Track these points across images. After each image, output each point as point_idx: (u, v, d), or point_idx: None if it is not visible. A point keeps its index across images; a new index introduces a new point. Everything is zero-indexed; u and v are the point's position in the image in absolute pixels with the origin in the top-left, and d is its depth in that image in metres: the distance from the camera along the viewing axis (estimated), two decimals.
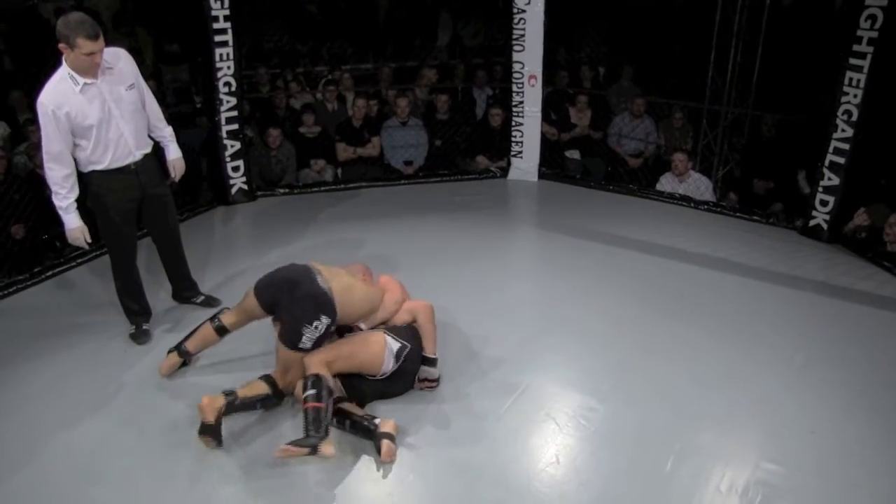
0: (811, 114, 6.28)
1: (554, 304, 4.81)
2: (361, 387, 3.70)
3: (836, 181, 5.83)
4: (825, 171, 5.87)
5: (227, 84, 6.36)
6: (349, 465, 3.35)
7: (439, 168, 7.61)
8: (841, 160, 5.76)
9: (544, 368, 4.10)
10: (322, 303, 3.56)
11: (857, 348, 4.37)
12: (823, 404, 3.82)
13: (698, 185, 6.84)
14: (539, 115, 7.35)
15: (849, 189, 5.83)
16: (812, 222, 6.06)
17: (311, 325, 3.53)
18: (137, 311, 4.45)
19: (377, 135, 7.53)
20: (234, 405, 3.46)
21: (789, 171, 6.71)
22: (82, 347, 4.32)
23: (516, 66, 7.22)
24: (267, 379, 3.63)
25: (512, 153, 7.56)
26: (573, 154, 7.81)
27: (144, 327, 4.44)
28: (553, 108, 7.78)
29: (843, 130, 5.68)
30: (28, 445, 3.48)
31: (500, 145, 7.62)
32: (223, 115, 6.45)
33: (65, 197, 3.95)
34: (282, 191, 7.08)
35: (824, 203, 5.94)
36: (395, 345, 3.67)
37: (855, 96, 5.54)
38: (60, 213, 4.01)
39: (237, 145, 6.61)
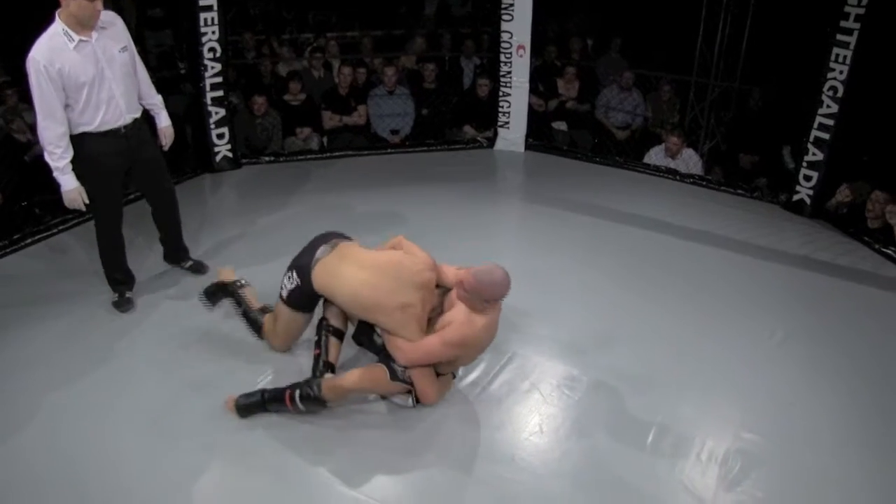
0: (798, 89, 6.29)
1: (539, 274, 4.83)
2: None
3: (820, 157, 5.87)
4: (810, 146, 5.90)
5: (212, 50, 6.27)
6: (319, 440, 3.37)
7: (426, 137, 7.59)
8: (825, 136, 5.79)
9: (529, 339, 4.12)
10: (300, 264, 3.63)
11: (837, 322, 4.43)
12: (802, 377, 3.88)
13: (688, 162, 6.86)
14: (527, 85, 7.32)
15: (833, 165, 5.86)
16: (796, 197, 6.10)
17: (286, 274, 3.68)
18: (120, 280, 4.41)
19: (364, 103, 7.48)
20: (238, 293, 4.03)
21: (774, 146, 6.73)
22: (67, 317, 4.27)
23: (504, 36, 7.17)
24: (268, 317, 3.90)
25: (499, 123, 7.54)
26: (560, 125, 7.80)
27: (127, 295, 4.40)
28: (541, 80, 7.75)
29: (828, 106, 5.70)
30: (23, 414, 3.48)
31: (487, 115, 7.59)
32: (208, 82, 6.36)
33: (60, 157, 3.84)
34: (267, 159, 7.03)
35: (808, 178, 5.98)
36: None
37: (841, 72, 5.55)
38: (56, 174, 3.88)
39: (222, 112, 6.54)
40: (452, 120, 7.75)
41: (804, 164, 5.99)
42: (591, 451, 3.29)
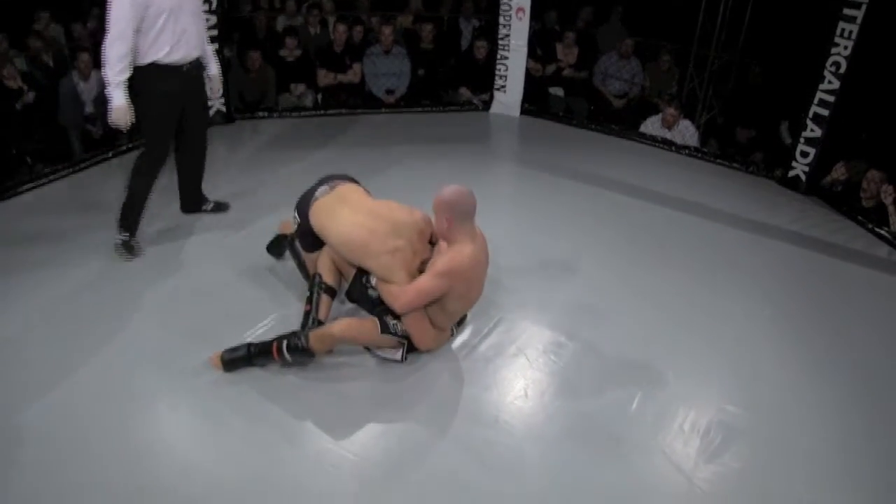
0: (799, 64, 6.24)
1: (530, 240, 4.82)
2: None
3: (818, 133, 5.83)
4: (808, 122, 5.86)
5: (208, 1, 6.16)
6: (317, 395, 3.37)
7: (421, 98, 7.53)
8: (825, 112, 5.75)
9: (517, 304, 4.11)
10: (300, 203, 3.71)
11: (826, 299, 4.43)
12: (788, 352, 3.88)
13: (684, 133, 6.83)
14: (525, 49, 7.26)
15: (830, 142, 5.83)
16: (791, 173, 6.08)
17: (293, 214, 3.77)
18: (135, 224, 4.44)
19: (359, 61, 7.41)
20: (293, 244, 4.03)
21: (772, 121, 6.69)
22: (63, 267, 4.24)
23: None
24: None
25: (495, 87, 7.49)
26: (557, 91, 7.75)
27: (136, 239, 4.44)
28: (540, 44, 7.68)
29: (829, 82, 5.66)
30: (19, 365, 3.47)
31: (483, 78, 7.53)
32: None
33: (119, 73, 3.98)
34: (261, 114, 6.97)
35: (805, 154, 5.96)
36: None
37: (845, 48, 5.50)
38: (110, 88, 4.02)
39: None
40: (448, 81, 7.68)
41: (801, 139, 5.96)
42: (574, 417, 3.29)
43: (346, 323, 3.43)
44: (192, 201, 4.90)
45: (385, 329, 3.41)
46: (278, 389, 3.32)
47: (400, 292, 3.35)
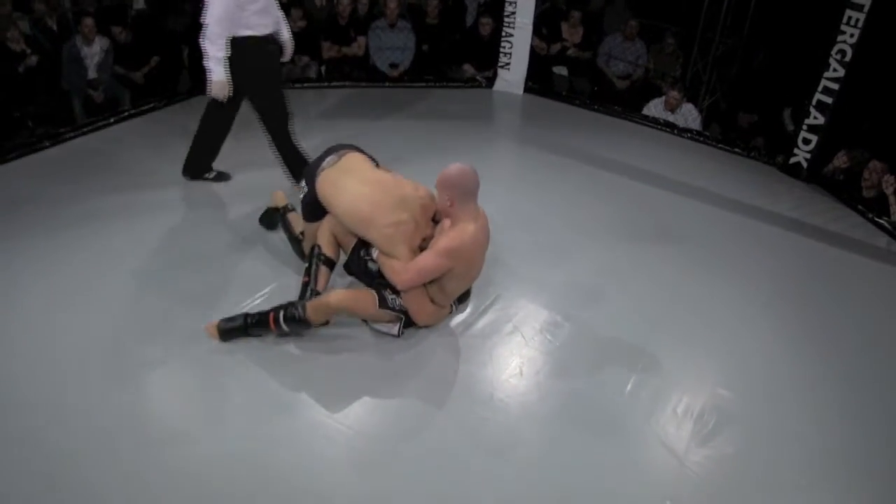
0: (804, 50, 6.21)
1: (530, 218, 4.83)
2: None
3: (821, 120, 5.82)
4: (812, 109, 5.85)
5: None
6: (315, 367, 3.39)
7: (425, 73, 7.50)
8: (828, 100, 5.73)
9: (515, 282, 4.12)
10: (308, 172, 3.76)
11: (823, 287, 4.45)
12: (783, 339, 3.90)
13: (686, 116, 6.81)
14: (530, 26, 7.21)
15: (833, 130, 5.82)
16: (793, 160, 6.08)
17: (300, 183, 3.89)
18: (299, 172, 4.65)
19: (364, 34, 7.36)
20: (286, 217, 4.10)
21: (775, 107, 6.67)
22: (63, 229, 4.27)
23: None
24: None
25: (499, 64, 7.46)
26: (561, 70, 7.72)
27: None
28: (545, 23, 7.64)
29: (834, 70, 5.64)
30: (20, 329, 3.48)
31: (488, 55, 7.49)
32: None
33: (220, 49, 4.28)
34: None
35: (807, 141, 5.95)
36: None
37: (851, 36, 5.47)
38: (211, 63, 4.32)
39: None
40: (452, 57, 7.65)
41: (804, 126, 5.94)
42: (569, 397, 3.32)
43: (344, 294, 3.44)
44: (199, 168, 4.94)
45: (383, 303, 3.43)
46: (274, 360, 3.35)
47: (402, 269, 3.37)
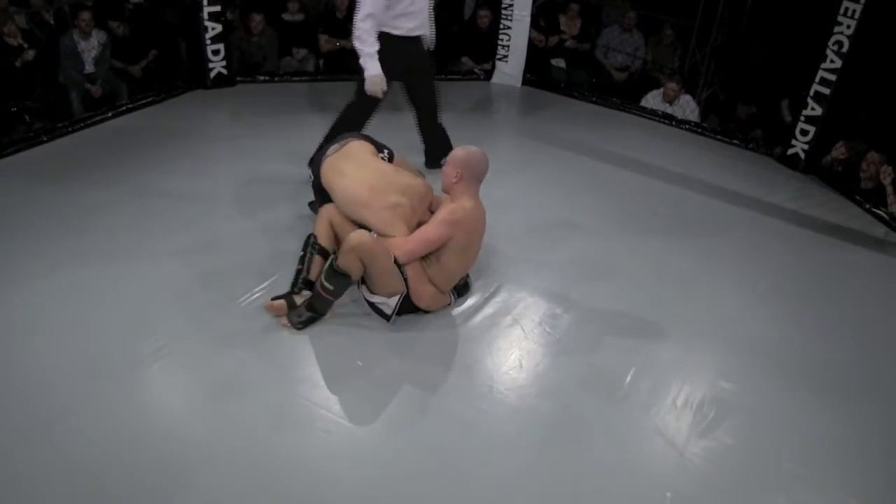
0: (802, 41, 6.21)
1: (529, 210, 4.83)
2: None
3: (818, 111, 5.83)
4: (809, 100, 5.85)
5: None
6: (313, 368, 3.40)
7: None
8: (826, 91, 5.74)
9: (515, 273, 4.13)
10: (314, 160, 4.00)
11: (821, 278, 4.46)
12: (782, 329, 3.91)
13: (685, 108, 6.82)
14: (528, 19, 7.21)
15: (831, 121, 5.82)
16: (790, 151, 6.08)
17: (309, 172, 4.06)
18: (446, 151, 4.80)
19: None
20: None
21: (773, 98, 6.68)
22: (76, 221, 4.27)
23: None
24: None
25: (497, 56, 7.44)
26: (559, 63, 7.71)
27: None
28: (543, 15, 7.63)
29: (831, 61, 5.64)
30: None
31: (486, 47, 7.48)
32: None
33: (372, 44, 4.45)
34: (262, 78, 6.93)
35: (805, 133, 5.95)
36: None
37: (848, 27, 5.47)
38: (365, 58, 4.48)
39: (218, 28, 6.39)
40: (451, 50, 7.63)
41: (802, 118, 5.95)
42: (568, 390, 3.33)
43: (364, 234, 3.41)
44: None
45: (398, 263, 3.46)
46: (269, 356, 3.37)
47: (403, 241, 3.49)
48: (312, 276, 3.63)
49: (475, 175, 3.56)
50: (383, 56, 4.51)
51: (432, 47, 4.98)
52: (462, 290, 3.84)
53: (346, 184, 3.70)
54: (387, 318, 3.55)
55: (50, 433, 2.83)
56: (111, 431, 2.87)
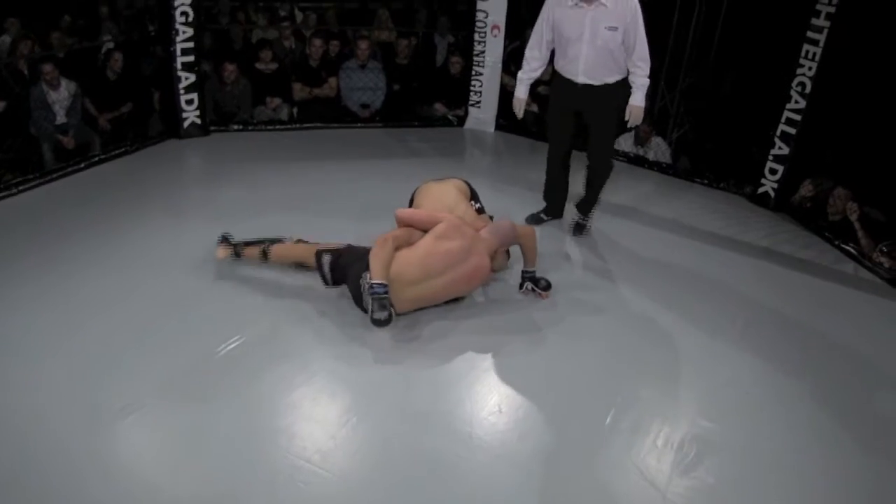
0: (766, 83, 6.35)
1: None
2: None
3: (785, 150, 5.94)
4: (776, 140, 5.97)
5: (185, 14, 6.15)
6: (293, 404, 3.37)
7: (396, 113, 7.54)
8: (792, 130, 5.86)
9: (487, 318, 4.14)
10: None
11: (796, 314, 4.49)
12: (760, 367, 3.93)
13: (656, 149, 6.91)
14: (500, 65, 7.31)
15: (798, 159, 5.94)
16: (760, 190, 6.18)
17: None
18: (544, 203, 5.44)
19: (335, 75, 7.42)
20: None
21: (742, 138, 6.79)
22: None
23: (479, 15, 7.16)
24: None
25: (470, 102, 7.53)
26: (531, 107, 7.78)
27: (542, 216, 5.45)
28: (515, 61, 7.73)
29: (796, 101, 5.77)
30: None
31: (458, 93, 7.57)
32: (179, 46, 6.25)
33: (525, 71, 4.93)
34: (236, 126, 6.96)
35: (773, 171, 6.06)
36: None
37: (810, 69, 5.62)
38: (516, 81, 5.01)
39: (192, 78, 6.43)
40: (424, 96, 7.71)
41: (770, 157, 6.06)
42: (550, 433, 3.31)
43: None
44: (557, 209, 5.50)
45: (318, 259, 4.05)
46: (242, 398, 3.33)
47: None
48: (246, 253, 4.28)
49: (498, 234, 4.20)
50: (552, 93, 5.07)
51: (634, 112, 4.87)
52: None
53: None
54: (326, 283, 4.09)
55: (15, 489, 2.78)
56: (75, 489, 2.82)
